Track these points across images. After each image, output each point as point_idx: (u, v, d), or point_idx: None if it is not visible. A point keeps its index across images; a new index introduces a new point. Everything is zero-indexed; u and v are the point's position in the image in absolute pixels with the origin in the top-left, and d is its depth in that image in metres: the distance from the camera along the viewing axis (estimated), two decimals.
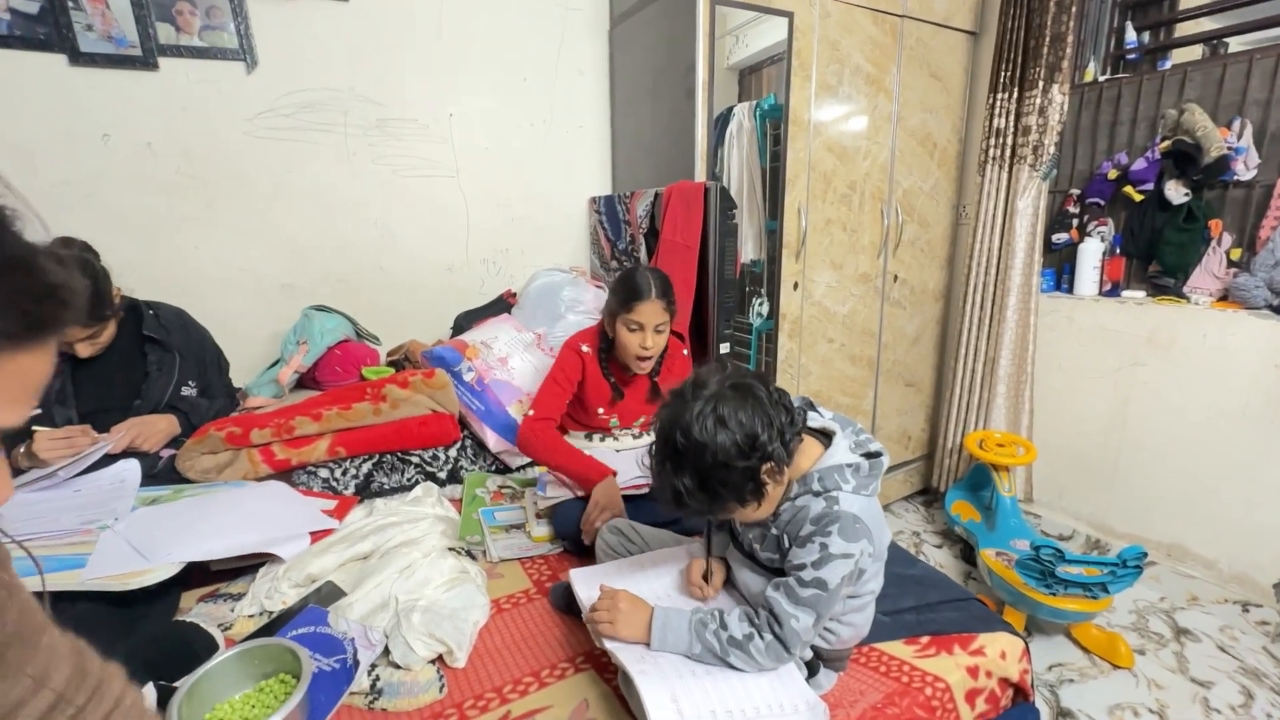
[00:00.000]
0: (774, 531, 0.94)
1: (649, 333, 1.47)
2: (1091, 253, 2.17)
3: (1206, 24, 2.09)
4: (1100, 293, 2.18)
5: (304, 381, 1.88)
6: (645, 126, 2.17)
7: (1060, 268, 2.30)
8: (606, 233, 2.26)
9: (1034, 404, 2.34)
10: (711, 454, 0.83)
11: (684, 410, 0.85)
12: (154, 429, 1.49)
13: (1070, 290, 2.25)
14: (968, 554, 2.24)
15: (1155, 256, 2.06)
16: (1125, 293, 2.13)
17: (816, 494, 0.90)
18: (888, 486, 2.61)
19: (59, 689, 0.47)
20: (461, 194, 2.19)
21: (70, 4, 1.60)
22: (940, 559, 2.26)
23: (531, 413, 1.52)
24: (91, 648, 0.53)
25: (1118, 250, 2.16)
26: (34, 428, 1.36)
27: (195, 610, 1.16)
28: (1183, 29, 2.13)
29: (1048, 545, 1.64)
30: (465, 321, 2.12)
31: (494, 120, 2.19)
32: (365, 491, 1.57)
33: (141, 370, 1.53)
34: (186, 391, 1.59)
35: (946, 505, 2.28)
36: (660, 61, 2.01)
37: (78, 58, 1.63)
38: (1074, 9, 2.04)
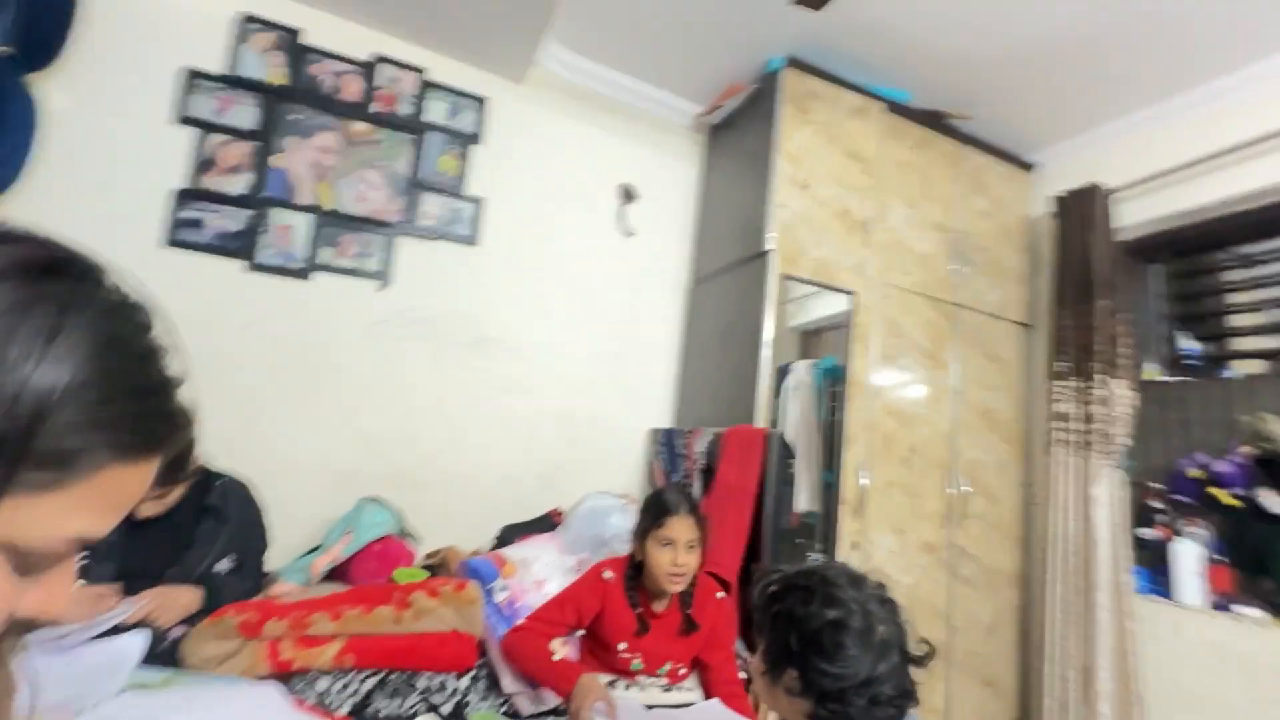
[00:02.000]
0: None
1: (681, 549, 1.41)
2: (1188, 555, 1.97)
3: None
4: (1209, 604, 1.93)
5: (334, 573, 1.82)
6: (711, 371, 2.33)
7: (1154, 566, 2.08)
8: (663, 465, 2.28)
9: None
10: (841, 620, 0.80)
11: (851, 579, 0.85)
12: (175, 603, 1.43)
13: (1168, 594, 2.01)
14: None
15: (1269, 572, 1.85)
16: (1237, 607, 1.87)
17: None
18: None
19: None
20: (532, 410, 2.32)
21: (260, 229, 2.00)
22: None
23: (522, 621, 1.45)
24: None
25: (1216, 555, 1.96)
26: None
27: None
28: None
29: None
30: (509, 535, 2.07)
31: (575, 350, 2.41)
32: (359, 715, 1.39)
33: (189, 538, 1.54)
34: (221, 566, 1.56)
35: None
36: (731, 319, 2.23)
37: (253, 265, 1.98)
38: (1122, 314, 2.16)
